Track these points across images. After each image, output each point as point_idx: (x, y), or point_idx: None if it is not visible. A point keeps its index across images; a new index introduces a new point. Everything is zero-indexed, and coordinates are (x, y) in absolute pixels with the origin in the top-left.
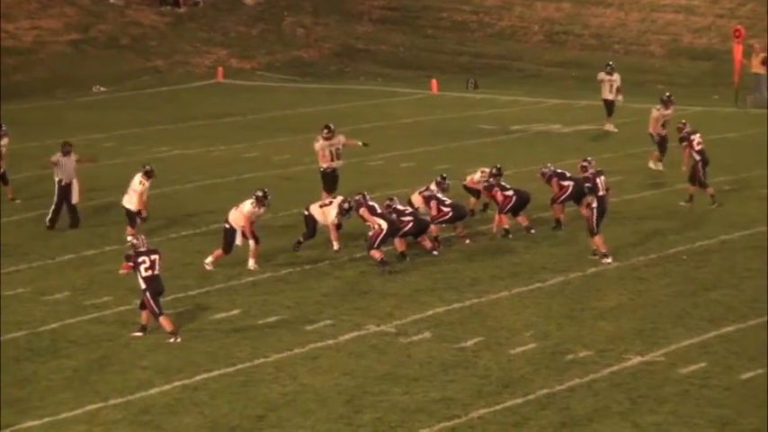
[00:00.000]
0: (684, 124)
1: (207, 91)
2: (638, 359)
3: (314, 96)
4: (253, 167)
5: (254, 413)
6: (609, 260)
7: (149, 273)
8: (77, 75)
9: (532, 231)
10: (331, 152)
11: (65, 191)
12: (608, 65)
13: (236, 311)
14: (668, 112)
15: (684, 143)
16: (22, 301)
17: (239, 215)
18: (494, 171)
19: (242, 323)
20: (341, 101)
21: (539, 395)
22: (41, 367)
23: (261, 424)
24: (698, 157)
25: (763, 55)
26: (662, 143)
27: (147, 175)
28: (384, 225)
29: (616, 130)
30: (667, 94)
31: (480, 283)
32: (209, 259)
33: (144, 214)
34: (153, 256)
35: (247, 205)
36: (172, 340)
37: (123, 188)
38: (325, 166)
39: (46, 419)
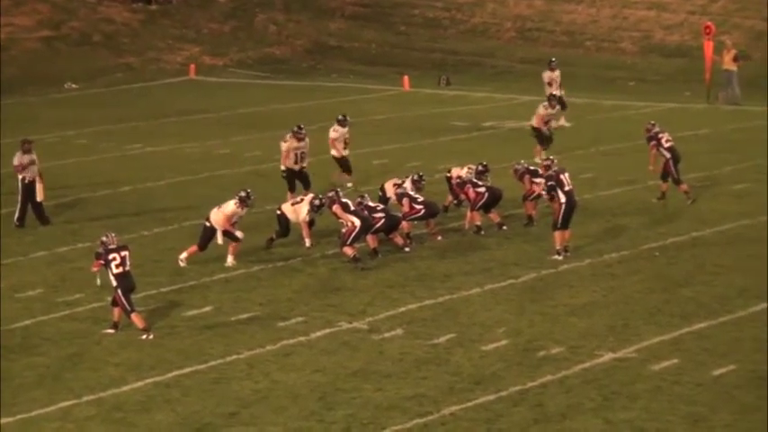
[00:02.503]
0: (653, 125)
1: (179, 88)
2: (610, 355)
3: (286, 93)
4: (225, 164)
5: (227, 410)
6: (559, 257)
7: (120, 269)
8: (49, 72)
9: (504, 228)
10: (296, 155)
11: (28, 189)
12: (551, 61)
13: (208, 308)
14: (554, 111)
15: (652, 142)
16: None
17: (221, 216)
18: (479, 168)
19: (214, 320)
20: (313, 98)
21: (511, 392)
22: (14, 364)
23: (233, 421)
24: (668, 155)
25: (734, 52)
26: (544, 137)
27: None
28: (357, 222)
29: (569, 125)
30: (554, 93)
31: (452, 279)
32: (184, 255)
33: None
34: (123, 253)
35: (230, 205)
36: (144, 337)
37: (95, 185)
38: (286, 167)
39: (18, 416)
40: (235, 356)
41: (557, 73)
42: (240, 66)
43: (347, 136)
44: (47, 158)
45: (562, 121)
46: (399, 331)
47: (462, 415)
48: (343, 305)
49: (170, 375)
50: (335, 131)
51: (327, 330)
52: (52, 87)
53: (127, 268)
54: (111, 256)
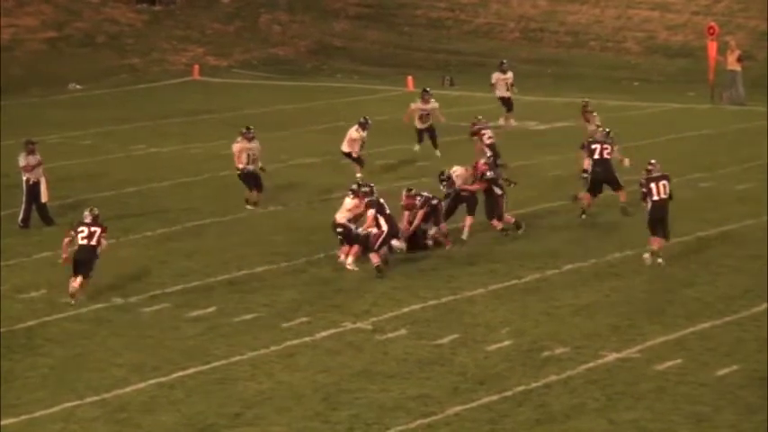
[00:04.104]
0: (478, 120)
1: (183, 88)
2: (614, 356)
3: (290, 94)
4: (229, 165)
5: (231, 411)
6: (647, 258)
7: (84, 242)
8: (53, 72)
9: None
10: (248, 155)
11: (33, 189)
12: (502, 63)
13: (212, 309)
14: (427, 106)
15: (475, 137)
16: None
17: (344, 213)
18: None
19: (218, 321)
20: (317, 98)
21: (515, 392)
22: (17, 365)
23: (237, 421)
24: (489, 152)
25: (738, 52)
26: (421, 134)
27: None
28: (385, 228)
29: (516, 124)
30: (426, 89)
31: (456, 279)
32: (350, 259)
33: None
34: (93, 228)
35: (347, 201)
36: (71, 301)
37: (99, 186)
38: (240, 167)
39: (23, 417)
40: (238, 357)
41: (508, 75)
42: (244, 66)
43: (365, 139)
44: (50, 159)
45: (511, 121)
46: (403, 331)
47: (466, 415)
48: (347, 306)
49: (174, 376)
50: (357, 132)
51: (331, 331)
52: (56, 88)
53: (92, 243)
54: (79, 229)
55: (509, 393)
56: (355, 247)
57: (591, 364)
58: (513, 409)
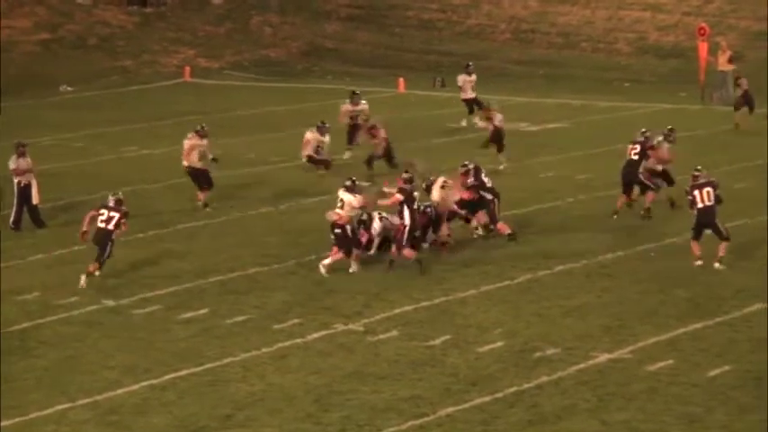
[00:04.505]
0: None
1: (174, 90)
2: (605, 356)
3: (281, 95)
4: (221, 166)
5: (222, 412)
6: (699, 263)
7: (102, 225)
8: (46, 74)
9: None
10: (200, 152)
11: (24, 192)
12: (468, 65)
13: (204, 311)
14: (357, 108)
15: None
16: None
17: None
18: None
19: (210, 322)
20: (308, 100)
21: (507, 393)
22: (12, 367)
23: (229, 423)
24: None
25: (730, 53)
26: (352, 133)
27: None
28: (408, 222)
29: (482, 124)
30: (355, 91)
31: (448, 280)
32: (354, 266)
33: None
34: (113, 213)
35: (346, 196)
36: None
37: (91, 187)
38: (187, 164)
39: (17, 419)
40: (230, 359)
41: (473, 77)
42: (235, 68)
43: (326, 142)
44: (43, 161)
45: (473, 121)
46: (395, 333)
47: (458, 416)
48: (338, 307)
49: (166, 378)
50: (311, 134)
51: (323, 332)
52: (49, 90)
53: (109, 227)
54: (100, 211)
55: (501, 394)
56: (338, 254)
57: (582, 365)
58: (505, 410)
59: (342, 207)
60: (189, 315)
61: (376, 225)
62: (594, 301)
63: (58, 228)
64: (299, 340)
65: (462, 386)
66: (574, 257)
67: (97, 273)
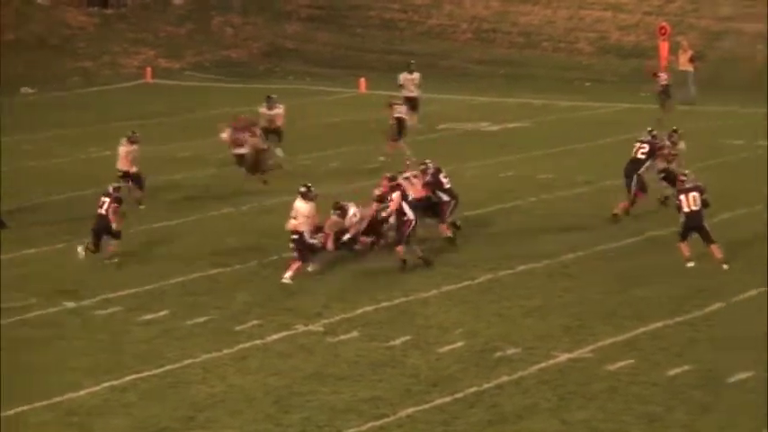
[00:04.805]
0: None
1: (135, 91)
2: (566, 356)
3: (243, 96)
4: (183, 167)
5: (183, 414)
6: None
7: (99, 211)
8: (6, 76)
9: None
10: (132, 157)
11: None
12: (410, 64)
13: (164, 312)
14: (271, 112)
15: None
16: None
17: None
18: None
19: (170, 324)
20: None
21: (467, 393)
22: None
23: (190, 425)
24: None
25: (691, 52)
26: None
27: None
28: (412, 217)
29: (419, 125)
30: (271, 95)
31: (409, 281)
32: (288, 273)
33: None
34: (104, 199)
35: (301, 205)
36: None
37: (51, 189)
38: (125, 169)
39: None
40: (191, 360)
41: (414, 75)
42: (197, 69)
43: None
44: (3, 163)
45: (414, 121)
46: (355, 334)
47: (419, 417)
48: (298, 308)
49: (126, 379)
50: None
51: (283, 333)
52: (8, 92)
53: (102, 211)
54: (102, 200)
55: (461, 395)
56: (297, 263)
57: (543, 365)
58: (466, 410)
59: (295, 217)
60: (149, 317)
61: (351, 214)
62: (555, 301)
63: (16, 230)
64: (259, 341)
65: (423, 387)
66: (535, 257)
67: (83, 252)
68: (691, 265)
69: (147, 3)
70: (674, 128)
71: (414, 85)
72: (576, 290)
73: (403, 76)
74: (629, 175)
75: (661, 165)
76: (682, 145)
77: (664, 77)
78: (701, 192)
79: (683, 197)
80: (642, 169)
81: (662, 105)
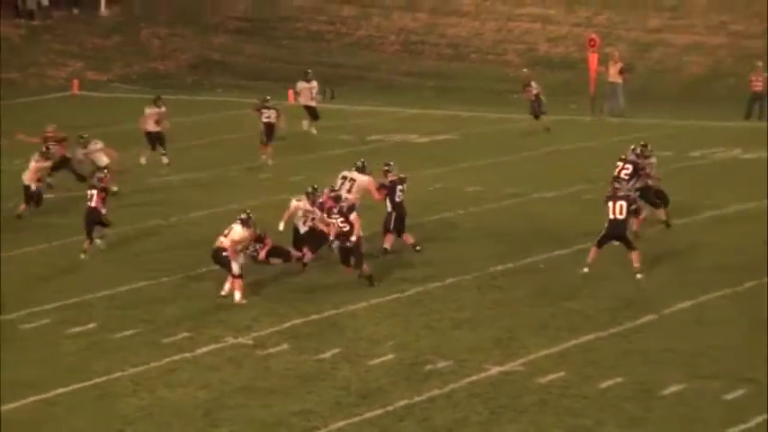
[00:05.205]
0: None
1: (62, 103)
2: (496, 369)
3: (171, 108)
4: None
5: (112, 427)
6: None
7: (89, 204)
8: None
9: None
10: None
11: None
12: (307, 72)
13: (92, 325)
14: (162, 110)
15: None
16: None
17: (228, 242)
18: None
19: (98, 337)
20: (198, 112)
21: (397, 406)
22: None
23: None
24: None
25: (621, 64)
26: (151, 139)
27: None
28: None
29: (315, 132)
30: (160, 95)
31: (338, 293)
32: (238, 295)
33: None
34: (91, 192)
35: (237, 230)
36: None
37: None
38: (28, 182)
39: None
40: (119, 373)
41: (313, 84)
42: (124, 81)
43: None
44: None
45: (309, 127)
46: (285, 346)
47: (349, 430)
48: (228, 321)
49: (54, 393)
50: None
51: (213, 346)
52: None
53: (92, 204)
54: (89, 194)
55: (392, 407)
56: (239, 281)
57: (474, 378)
58: (396, 423)
59: (226, 236)
60: (77, 329)
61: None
62: (485, 314)
63: None
64: (188, 354)
65: (353, 399)
66: (464, 270)
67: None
68: (585, 270)
69: (75, 14)
70: (643, 142)
71: (311, 94)
72: (506, 302)
73: (300, 85)
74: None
75: (640, 183)
76: (653, 159)
77: (534, 88)
78: (631, 202)
79: (610, 204)
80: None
81: (535, 115)
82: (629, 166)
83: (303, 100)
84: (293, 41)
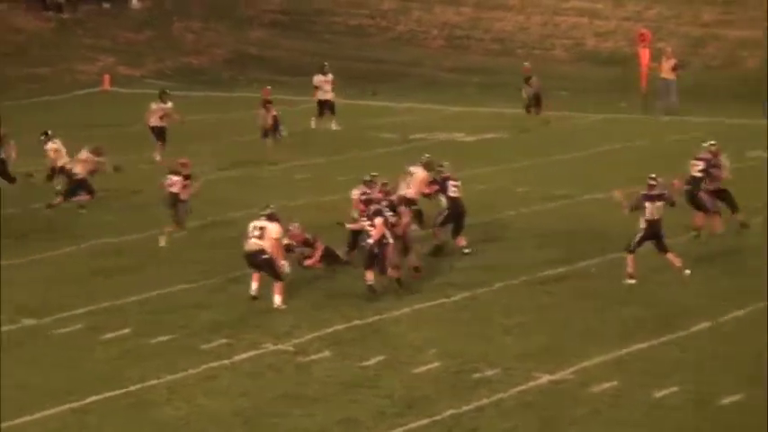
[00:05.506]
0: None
1: (93, 100)
2: (546, 378)
3: (206, 104)
4: (142, 180)
5: None
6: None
7: (170, 190)
8: None
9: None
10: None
11: None
12: (324, 65)
13: (126, 330)
14: (167, 106)
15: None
16: None
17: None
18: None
19: (133, 343)
20: (233, 109)
21: (444, 416)
22: None
23: None
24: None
25: (674, 60)
26: (155, 133)
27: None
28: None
29: (339, 128)
30: (166, 90)
31: (381, 299)
32: (278, 299)
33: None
34: (176, 178)
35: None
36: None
37: (5, 202)
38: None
39: None
40: (155, 381)
41: (329, 77)
42: (157, 76)
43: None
44: None
45: (333, 125)
46: (327, 353)
47: None
48: (267, 326)
49: (87, 401)
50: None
51: (252, 353)
52: None
53: (174, 190)
54: (168, 178)
55: (438, 417)
56: (280, 284)
57: (523, 387)
58: None
59: (260, 237)
60: (111, 335)
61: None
62: (534, 320)
63: None
64: (226, 361)
65: (398, 409)
66: (513, 274)
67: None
68: (632, 282)
69: (105, 8)
70: (712, 142)
71: (329, 87)
72: (556, 308)
73: (317, 78)
74: (692, 199)
75: (713, 186)
76: (723, 159)
77: (536, 83)
78: (666, 201)
79: (647, 204)
80: (702, 188)
81: (529, 110)
82: (700, 163)
83: (321, 94)
84: (333, 36)
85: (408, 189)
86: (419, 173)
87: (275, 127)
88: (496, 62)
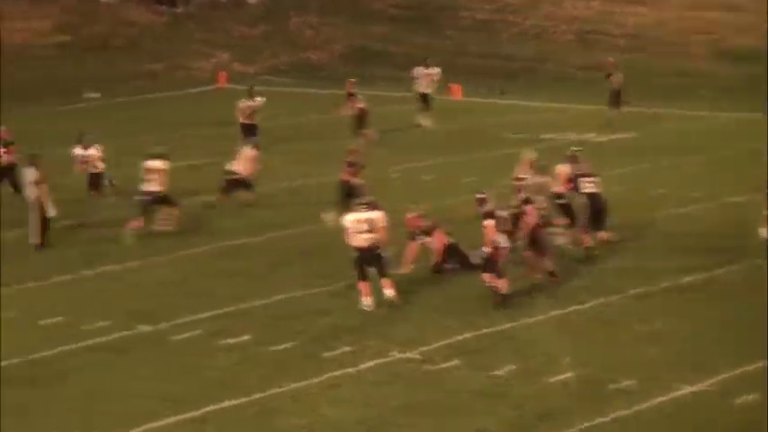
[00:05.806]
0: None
1: (208, 97)
2: (687, 389)
3: (324, 102)
4: (259, 181)
5: None
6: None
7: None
8: (66, 79)
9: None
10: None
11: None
12: (426, 58)
13: (247, 337)
14: (255, 103)
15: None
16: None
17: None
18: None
19: (254, 349)
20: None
21: (579, 428)
22: (36, 398)
23: None
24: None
25: None
26: (244, 130)
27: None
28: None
29: (430, 125)
30: (253, 86)
31: (512, 306)
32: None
33: None
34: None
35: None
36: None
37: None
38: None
39: None
40: (277, 389)
41: (432, 70)
42: (273, 73)
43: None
44: (60, 174)
45: (427, 121)
46: (456, 362)
47: None
48: (391, 334)
49: (206, 409)
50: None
51: (377, 361)
52: (69, 96)
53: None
54: None
55: (573, 429)
56: (389, 278)
57: (662, 398)
58: None
59: (371, 230)
60: (231, 341)
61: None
62: (673, 328)
63: (82, 246)
64: (350, 369)
65: (530, 420)
66: (650, 280)
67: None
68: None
69: (219, 2)
70: None
71: (430, 81)
72: (696, 315)
73: (418, 71)
74: None
75: None
76: None
77: (617, 80)
78: None
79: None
80: None
81: (613, 106)
82: None
83: (420, 87)
84: (458, 31)
85: (554, 184)
86: (561, 168)
87: (361, 120)
88: (629, 58)
